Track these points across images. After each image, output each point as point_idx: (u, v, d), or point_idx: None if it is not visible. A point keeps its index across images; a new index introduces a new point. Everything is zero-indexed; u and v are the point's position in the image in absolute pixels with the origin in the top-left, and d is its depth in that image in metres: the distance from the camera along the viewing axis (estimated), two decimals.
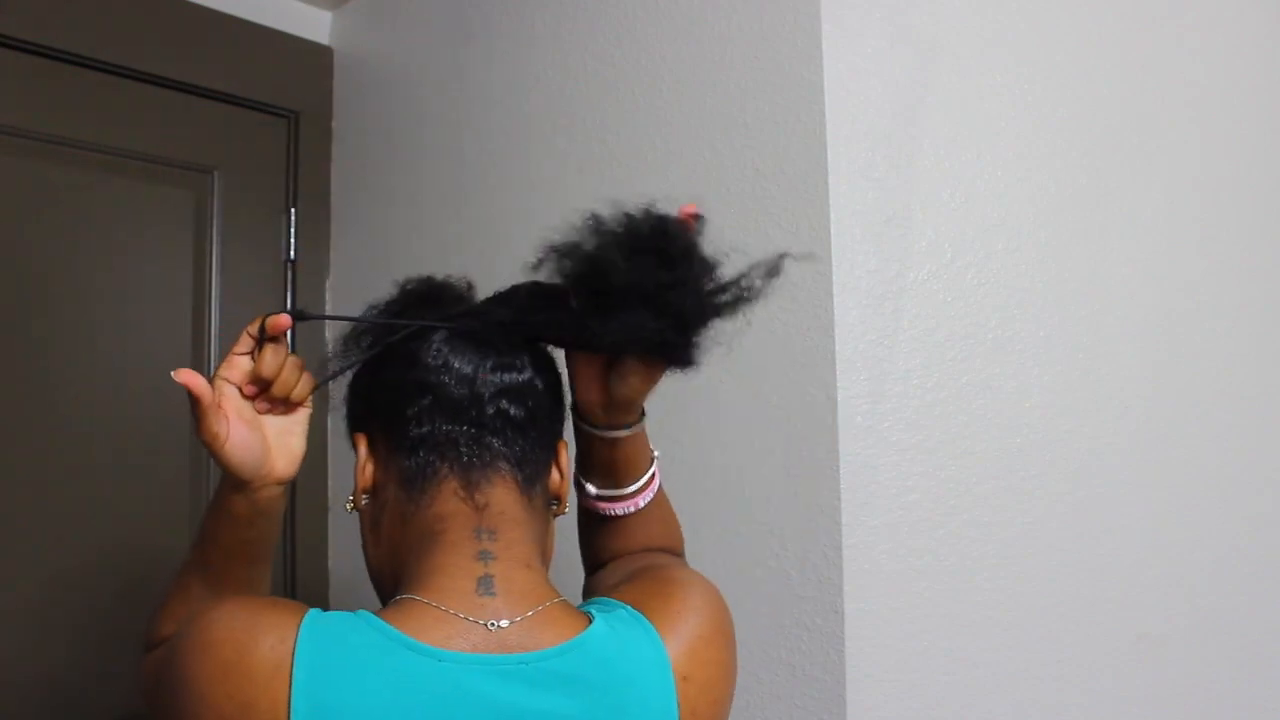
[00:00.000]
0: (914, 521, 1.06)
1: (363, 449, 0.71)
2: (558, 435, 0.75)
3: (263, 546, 0.75)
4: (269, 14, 1.73)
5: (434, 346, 0.70)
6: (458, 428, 0.68)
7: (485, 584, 0.64)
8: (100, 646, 1.45)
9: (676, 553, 0.87)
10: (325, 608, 0.62)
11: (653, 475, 0.81)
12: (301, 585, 1.67)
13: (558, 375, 0.76)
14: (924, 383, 1.08)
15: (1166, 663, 1.19)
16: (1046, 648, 1.12)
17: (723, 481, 1.14)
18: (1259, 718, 1.25)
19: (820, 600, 1.04)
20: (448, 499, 0.67)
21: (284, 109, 1.74)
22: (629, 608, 0.67)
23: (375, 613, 0.62)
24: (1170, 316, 1.25)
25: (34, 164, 1.46)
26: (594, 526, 0.84)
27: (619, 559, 0.82)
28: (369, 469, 0.71)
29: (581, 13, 1.36)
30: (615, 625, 0.65)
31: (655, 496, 0.82)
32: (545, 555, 0.72)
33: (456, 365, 0.69)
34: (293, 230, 1.73)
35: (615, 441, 0.77)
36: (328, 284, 1.77)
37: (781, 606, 1.07)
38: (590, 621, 0.65)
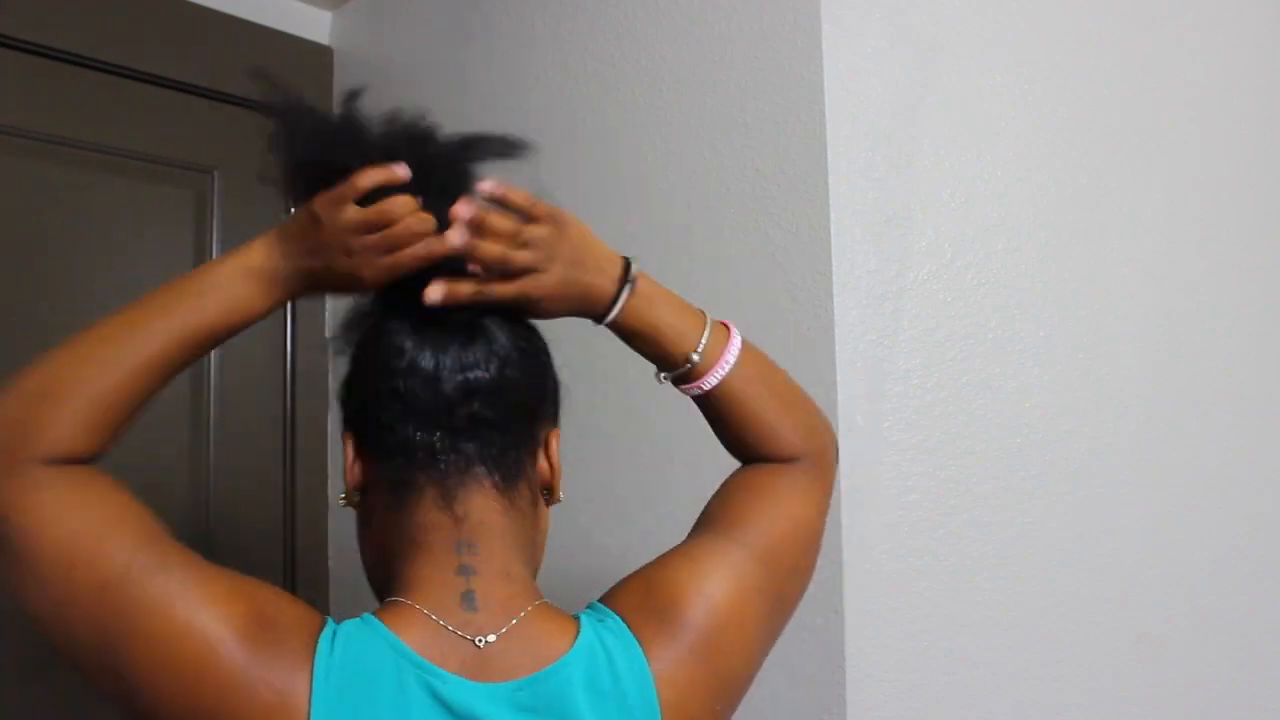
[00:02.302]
0: (914, 521, 1.06)
1: (350, 449, 0.70)
2: (544, 424, 0.72)
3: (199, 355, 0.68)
4: (269, 14, 1.73)
5: (400, 343, 0.67)
6: (429, 435, 0.66)
7: (468, 600, 0.64)
8: None
9: (808, 448, 0.78)
10: (325, 607, 0.62)
11: (710, 348, 0.74)
12: (301, 585, 1.67)
13: (539, 359, 0.72)
14: (924, 383, 1.08)
15: (1166, 663, 1.19)
16: (1046, 648, 1.12)
17: (721, 477, 1.14)
18: (1259, 718, 1.25)
19: (820, 600, 1.04)
20: (428, 509, 0.66)
21: None
22: (617, 618, 0.67)
23: (377, 615, 0.63)
24: (1170, 316, 1.25)
25: (34, 164, 1.46)
26: (708, 416, 0.79)
27: (721, 488, 0.78)
28: (356, 469, 0.70)
29: (581, 13, 1.36)
30: (602, 636, 0.65)
31: (741, 371, 0.75)
32: (532, 554, 0.71)
33: (422, 366, 0.66)
34: None
35: (615, 326, 0.74)
36: None
37: None
38: (577, 630, 0.65)
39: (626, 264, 0.74)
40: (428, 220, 0.66)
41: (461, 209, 0.66)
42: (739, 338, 0.76)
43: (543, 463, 0.72)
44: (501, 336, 0.69)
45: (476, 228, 0.66)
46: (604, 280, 0.72)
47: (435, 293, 0.66)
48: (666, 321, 0.74)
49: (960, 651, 1.07)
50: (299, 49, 1.77)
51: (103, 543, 0.58)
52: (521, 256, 0.68)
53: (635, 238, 1.26)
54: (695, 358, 0.74)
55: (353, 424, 0.71)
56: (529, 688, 0.61)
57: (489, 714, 0.60)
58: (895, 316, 1.08)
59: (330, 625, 0.62)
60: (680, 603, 0.66)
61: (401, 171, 0.66)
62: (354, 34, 1.80)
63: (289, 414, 1.69)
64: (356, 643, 0.61)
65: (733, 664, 0.67)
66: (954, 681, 1.07)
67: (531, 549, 0.71)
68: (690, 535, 0.75)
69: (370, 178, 0.65)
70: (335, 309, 1.76)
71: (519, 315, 0.73)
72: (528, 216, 0.69)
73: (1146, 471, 1.21)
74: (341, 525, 1.72)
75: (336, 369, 1.75)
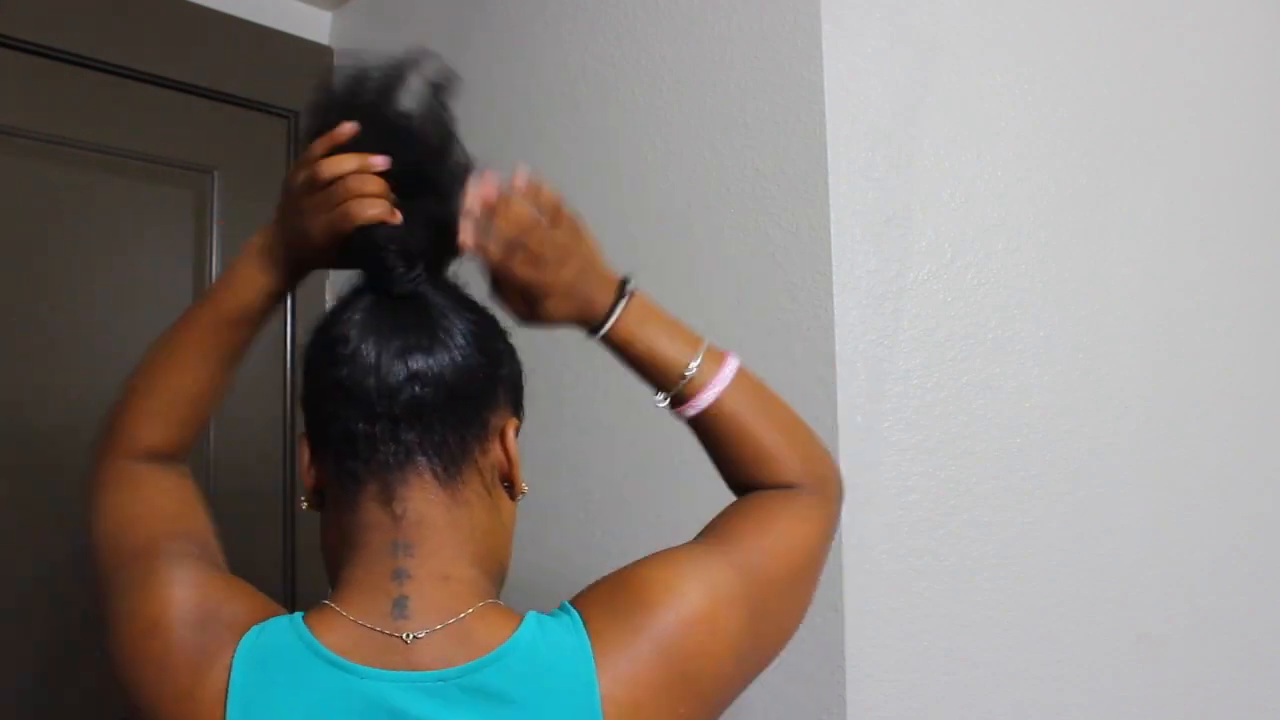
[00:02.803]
0: (914, 521, 1.06)
1: (305, 453, 0.70)
2: (497, 411, 0.70)
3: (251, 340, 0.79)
4: (269, 14, 1.73)
5: (345, 333, 0.67)
6: (370, 426, 0.65)
7: (400, 606, 0.63)
8: (101, 646, 1.45)
9: (807, 476, 0.77)
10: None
11: (703, 367, 0.75)
12: (301, 584, 1.67)
13: (492, 344, 0.71)
14: (924, 383, 1.08)
15: (1166, 663, 1.19)
16: (1046, 648, 1.12)
17: (723, 483, 1.14)
18: (1259, 718, 1.25)
19: (820, 600, 1.04)
20: (369, 507, 0.66)
21: (284, 109, 1.74)
22: (575, 614, 0.65)
23: (304, 617, 0.64)
24: (1170, 316, 1.25)
25: (34, 164, 1.46)
26: (704, 441, 0.79)
27: (718, 516, 0.77)
28: (313, 471, 0.70)
29: (581, 13, 1.36)
30: (547, 631, 0.63)
31: (735, 393, 0.76)
32: (482, 552, 0.68)
33: (365, 354, 0.65)
34: None
35: (608, 339, 0.75)
36: (327, 283, 1.77)
37: None
38: (518, 626, 0.63)
39: (624, 280, 0.76)
40: (370, 181, 0.69)
41: (483, 188, 0.70)
42: (735, 360, 0.77)
43: (498, 453, 0.70)
44: (451, 322, 0.68)
45: (495, 209, 0.69)
46: (603, 292, 0.74)
47: (466, 233, 0.69)
48: (660, 339, 0.75)
49: (960, 651, 1.07)
50: (299, 49, 1.78)
51: (133, 529, 0.70)
52: (537, 247, 0.70)
53: (635, 238, 1.26)
54: (688, 374, 0.74)
55: (307, 423, 0.71)
56: (455, 678, 0.60)
57: (401, 700, 0.60)
58: (895, 316, 1.08)
59: (265, 622, 0.64)
60: (649, 600, 0.64)
61: (346, 130, 0.69)
62: (354, 34, 1.80)
63: (289, 414, 1.70)
64: (275, 638, 0.62)
65: (701, 669, 0.64)
66: (954, 681, 1.07)
67: (484, 545, 0.68)
68: (685, 543, 0.73)
69: (321, 144, 0.70)
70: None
71: (521, 317, 0.74)
72: (552, 216, 0.71)
73: (1146, 471, 1.21)
74: None
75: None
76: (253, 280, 0.76)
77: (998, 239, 1.14)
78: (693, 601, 0.64)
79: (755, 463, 0.77)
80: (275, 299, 0.78)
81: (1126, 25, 1.26)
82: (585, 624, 0.64)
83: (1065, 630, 1.13)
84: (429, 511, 0.66)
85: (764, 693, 1.08)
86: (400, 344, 0.66)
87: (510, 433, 0.71)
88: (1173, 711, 1.19)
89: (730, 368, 0.76)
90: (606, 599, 0.66)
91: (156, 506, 0.72)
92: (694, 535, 0.75)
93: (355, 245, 0.69)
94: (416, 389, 0.65)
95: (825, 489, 0.79)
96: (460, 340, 0.68)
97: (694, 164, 1.20)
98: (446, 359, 0.66)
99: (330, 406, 0.67)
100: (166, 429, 0.76)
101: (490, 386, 0.70)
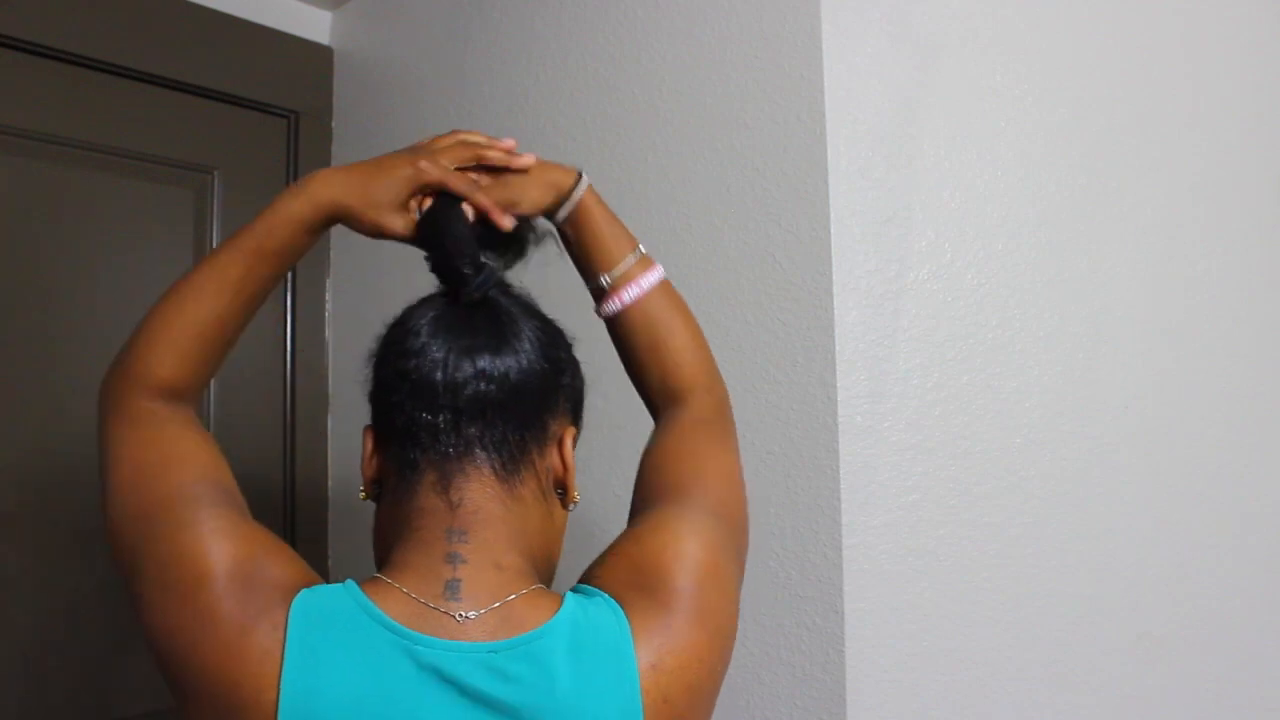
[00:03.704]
0: (914, 521, 1.06)
1: (369, 442, 0.73)
2: (557, 418, 0.74)
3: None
4: (269, 14, 1.73)
5: (417, 328, 0.71)
6: (433, 417, 0.68)
7: (452, 588, 0.65)
8: (101, 644, 1.45)
9: (709, 380, 0.86)
10: None
11: (635, 265, 0.83)
12: None
13: (556, 353, 0.74)
14: (924, 383, 1.09)
15: (1167, 662, 1.19)
16: (1046, 648, 1.12)
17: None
18: (1259, 718, 1.25)
19: (820, 600, 1.04)
20: (426, 494, 0.68)
21: (284, 109, 1.74)
22: (604, 595, 0.67)
23: (360, 584, 0.65)
24: (1170, 316, 1.25)
25: (34, 164, 1.46)
26: (618, 344, 0.86)
27: (646, 466, 0.81)
28: (374, 462, 0.73)
29: (581, 13, 1.36)
30: (587, 610, 0.66)
31: (658, 295, 0.84)
32: (534, 548, 0.71)
33: (433, 350, 0.69)
34: None
35: (572, 216, 0.83)
36: (327, 284, 1.77)
37: (781, 606, 1.07)
38: (560, 604, 0.66)
39: (579, 171, 0.84)
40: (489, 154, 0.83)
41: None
42: (660, 268, 0.85)
43: (555, 458, 0.73)
44: (519, 326, 0.72)
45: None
46: (566, 175, 0.83)
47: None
48: (610, 224, 0.83)
49: (960, 651, 1.07)
50: (299, 49, 1.78)
51: (161, 475, 0.68)
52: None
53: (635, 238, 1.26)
54: (629, 261, 0.83)
55: (372, 415, 0.73)
56: (505, 650, 0.62)
57: (464, 672, 0.61)
58: (895, 316, 1.08)
59: (315, 586, 0.64)
60: (666, 573, 0.67)
61: (508, 143, 0.85)
62: (354, 34, 1.80)
63: (289, 414, 1.70)
64: (332, 602, 0.63)
65: (721, 619, 0.68)
66: (954, 681, 1.07)
67: (536, 542, 0.71)
68: (641, 513, 0.75)
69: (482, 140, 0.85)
70: (335, 311, 1.76)
71: (513, 213, 0.80)
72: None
73: (1146, 471, 1.21)
74: (341, 525, 1.72)
75: (336, 369, 1.76)
76: (293, 206, 0.76)
77: (998, 239, 1.14)
78: (698, 556, 0.68)
79: (668, 362, 0.83)
80: (307, 233, 0.78)
81: (1126, 25, 1.26)
82: (620, 604, 0.66)
83: (1065, 630, 1.13)
84: (485, 503, 0.68)
85: (764, 692, 1.08)
86: (468, 342, 0.69)
87: (569, 441, 0.74)
88: (1173, 711, 1.19)
89: (659, 270, 0.84)
90: (627, 579, 0.68)
91: (182, 452, 0.71)
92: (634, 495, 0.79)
93: (432, 243, 0.75)
94: (481, 386, 0.68)
95: (726, 403, 0.86)
96: (526, 345, 0.71)
97: (694, 164, 1.20)
98: (512, 360, 0.70)
99: (396, 397, 0.69)
100: (183, 363, 0.74)
101: (552, 392, 0.73)
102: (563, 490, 0.74)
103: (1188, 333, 1.26)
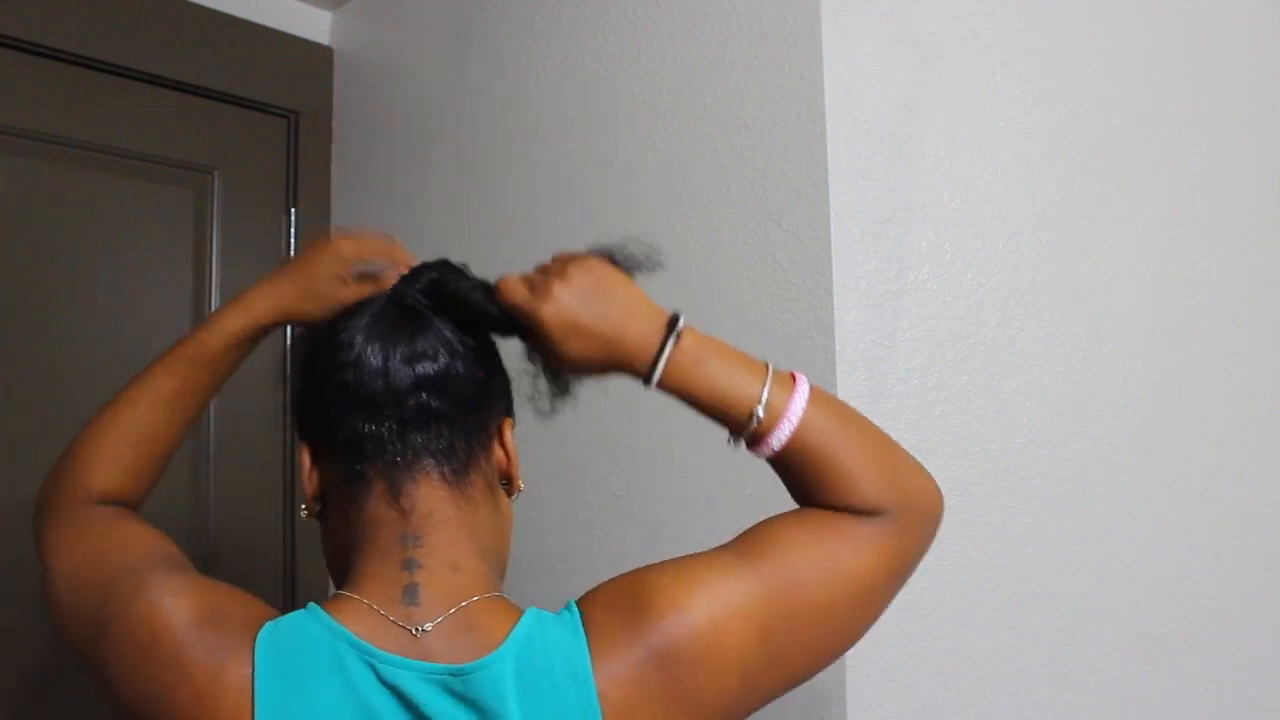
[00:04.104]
0: None
1: (305, 459, 0.72)
2: (496, 414, 0.73)
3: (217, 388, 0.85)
4: (269, 14, 1.73)
5: (351, 338, 0.69)
6: (378, 427, 0.67)
7: (410, 593, 0.64)
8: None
9: (890, 503, 0.69)
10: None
11: (773, 401, 0.68)
12: (301, 586, 1.67)
13: (486, 351, 0.73)
14: (924, 383, 1.08)
15: (1167, 662, 1.19)
16: (1046, 648, 1.12)
17: (723, 482, 1.14)
18: (1259, 718, 1.25)
19: None
20: (377, 504, 0.67)
21: (284, 109, 1.74)
22: (576, 613, 0.65)
23: (322, 605, 0.65)
24: (1170, 316, 1.25)
25: (34, 164, 1.46)
26: (783, 475, 0.73)
27: (768, 520, 0.72)
28: (314, 476, 0.72)
29: (581, 13, 1.36)
30: (545, 629, 0.63)
31: (811, 422, 0.68)
32: (486, 545, 0.70)
33: (370, 359, 0.68)
34: (293, 230, 1.73)
35: (663, 384, 0.69)
36: None
37: None
38: (517, 620, 0.64)
39: (674, 316, 0.69)
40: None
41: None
42: (806, 384, 0.70)
43: (498, 452, 0.73)
44: (447, 330, 0.71)
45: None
46: (641, 325, 0.68)
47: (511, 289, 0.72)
48: (722, 376, 0.69)
49: (960, 651, 1.07)
50: (299, 49, 1.77)
51: (100, 564, 0.69)
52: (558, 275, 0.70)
53: (635, 238, 1.26)
54: (760, 412, 0.68)
55: (306, 429, 0.72)
56: (462, 675, 0.61)
57: (421, 694, 0.60)
58: (895, 316, 1.08)
59: (277, 619, 0.64)
60: (651, 609, 0.62)
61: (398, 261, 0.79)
62: (354, 34, 1.80)
63: (289, 414, 1.69)
64: (296, 628, 0.63)
65: (700, 684, 0.62)
66: (954, 681, 1.07)
67: (489, 541, 0.71)
68: (716, 547, 0.70)
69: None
70: None
71: (554, 367, 0.72)
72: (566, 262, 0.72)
73: (1146, 471, 1.21)
74: None
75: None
76: (230, 323, 0.81)
77: (998, 239, 1.14)
78: (697, 616, 0.62)
79: (834, 490, 0.70)
80: (241, 346, 0.82)
81: (1126, 25, 1.26)
82: (585, 622, 0.64)
83: (1065, 630, 1.13)
84: (437, 506, 0.68)
85: None
86: (406, 350, 0.68)
87: (508, 432, 0.74)
88: (1173, 711, 1.19)
89: (803, 391, 0.69)
90: (613, 600, 0.65)
91: (122, 537, 0.72)
92: (705, 542, 0.72)
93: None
94: (424, 395, 0.68)
95: (906, 516, 0.71)
96: (461, 348, 0.70)
97: (694, 164, 1.20)
98: (451, 366, 0.69)
99: (336, 411, 0.68)
100: (120, 474, 0.78)
101: (490, 391, 0.73)
102: (507, 481, 0.74)
103: (1188, 333, 1.26)
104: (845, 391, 1.04)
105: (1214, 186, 1.31)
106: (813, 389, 0.70)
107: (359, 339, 0.69)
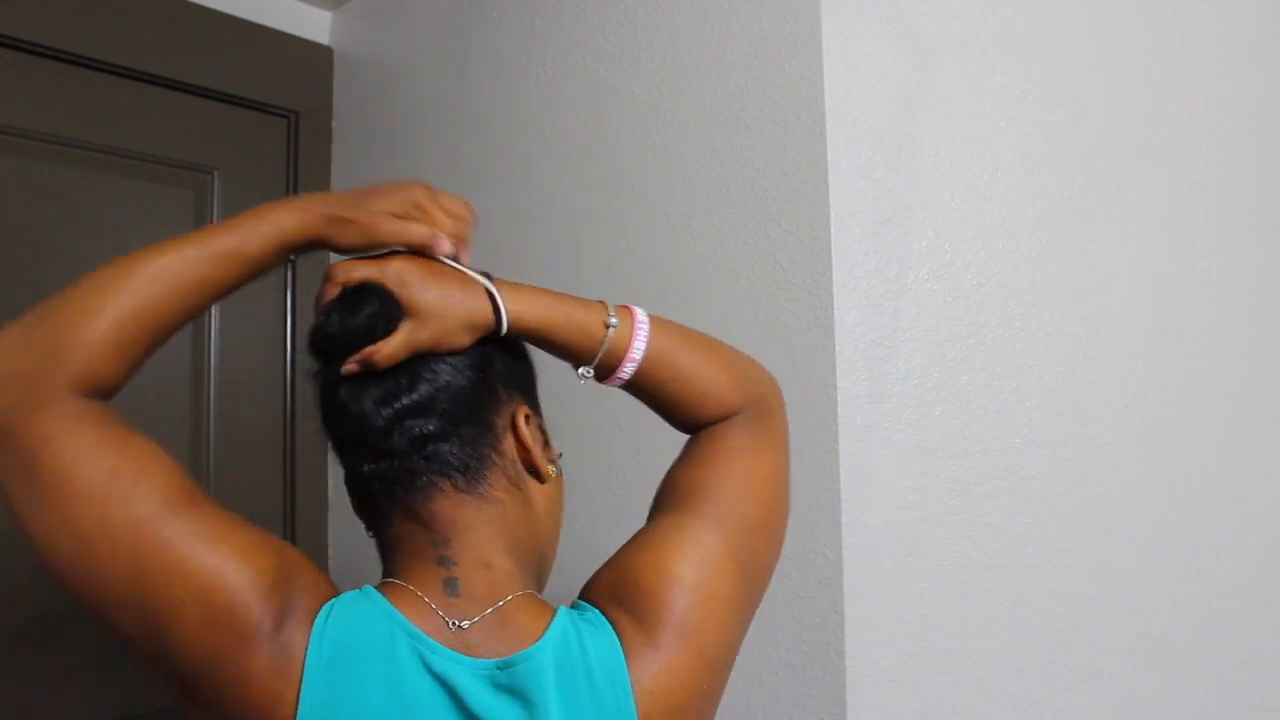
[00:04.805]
0: (914, 521, 1.06)
1: (350, 493, 0.74)
2: (501, 409, 0.72)
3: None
4: (269, 14, 1.73)
5: (332, 392, 0.70)
6: (378, 465, 0.68)
7: (450, 585, 0.66)
8: (98, 642, 1.45)
9: (745, 398, 0.77)
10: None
11: (618, 344, 0.73)
12: None
13: (482, 350, 0.71)
14: (924, 383, 1.08)
15: (1167, 662, 1.19)
16: (1046, 648, 1.12)
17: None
18: (1259, 718, 1.25)
19: (820, 600, 1.04)
20: (401, 522, 0.69)
21: (284, 109, 1.74)
22: (596, 611, 0.68)
23: (378, 588, 0.66)
24: (1170, 316, 1.25)
25: (34, 164, 1.46)
26: (640, 397, 0.79)
27: (670, 471, 0.78)
28: (354, 501, 0.74)
29: (581, 13, 1.36)
30: (578, 626, 0.66)
31: (657, 344, 0.75)
32: (517, 542, 0.70)
33: (350, 407, 0.69)
34: None
35: (515, 327, 0.72)
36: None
37: (781, 606, 1.07)
38: (552, 619, 0.66)
39: (485, 273, 0.73)
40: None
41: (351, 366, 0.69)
42: (644, 314, 0.76)
43: (513, 447, 0.72)
44: (425, 358, 0.70)
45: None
46: (476, 306, 0.71)
47: (351, 366, 0.69)
48: (561, 306, 0.73)
49: (960, 651, 1.07)
50: (299, 49, 1.77)
51: (139, 482, 0.60)
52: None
53: (635, 238, 1.26)
54: (614, 320, 0.73)
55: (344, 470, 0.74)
56: (508, 668, 0.63)
57: (470, 687, 0.62)
58: (895, 316, 1.08)
59: (339, 595, 0.65)
60: (651, 592, 0.67)
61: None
62: (354, 34, 1.80)
63: (289, 414, 1.70)
64: (353, 610, 0.63)
65: (714, 638, 0.67)
66: (954, 681, 1.07)
67: (519, 535, 0.71)
68: (649, 518, 0.75)
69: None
70: None
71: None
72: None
73: (1146, 471, 1.21)
74: (341, 525, 1.72)
75: None
76: (286, 227, 0.69)
77: (998, 239, 1.14)
78: (689, 578, 0.67)
79: (697, 403, 0.77)
80: (284, 255, 0.71)
81: (1126, 25, 1.26)
82: (611, 621, 0.67)
83: (1065, 630, 1.13)
84: (458, 514, 0.69)
85: (764, 693, 1.08)
86: (380, 391, 0.68)
87: (521, 420, 0.72)
88: (1173, 711, 1.19)
89: (643, 316, 0.76)
90: (615, 595, 0.68)
91: (141, 456, 0.62)
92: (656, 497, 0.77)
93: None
94: (409, 425, 0.68)
95: (766, 404, 0.80)
96: (443, 364, 0.70)
97: (694, 164, 1.20)
98: (430, 389, 0.69)
99: (344, 459, 0.71)
100: (117, 364, 0.64)
101: (486, 390, 0.72)
102: (533, 472, 0.73)
103: (1188, 333, 1.26)
104: (845, 391, 1.04)
105: (1214, 186, 1.31)
106: (653, 318, 0.76)
107: (341, 391, 0.69)
